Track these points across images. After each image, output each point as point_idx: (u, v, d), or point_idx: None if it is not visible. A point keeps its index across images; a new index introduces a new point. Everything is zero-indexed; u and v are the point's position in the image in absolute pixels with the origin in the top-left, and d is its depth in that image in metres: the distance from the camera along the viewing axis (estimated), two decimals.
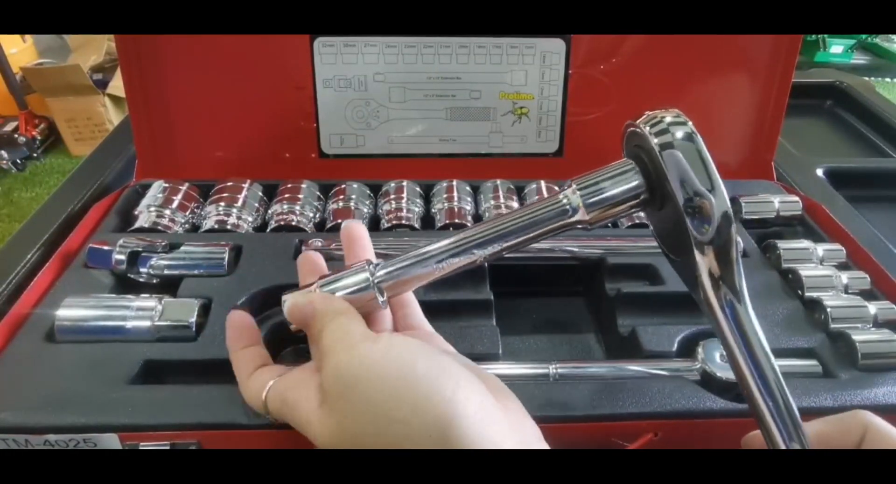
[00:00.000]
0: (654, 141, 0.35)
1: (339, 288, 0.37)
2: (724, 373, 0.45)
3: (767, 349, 0.35)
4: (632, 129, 0.38)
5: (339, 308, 0.35)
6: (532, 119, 0.69)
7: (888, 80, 3.03)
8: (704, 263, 0.34)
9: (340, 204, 0.63)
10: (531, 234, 0.37)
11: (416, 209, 0.64)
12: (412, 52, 0.65)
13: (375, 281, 0.37)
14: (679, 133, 0.35)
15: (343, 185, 0.65)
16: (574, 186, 0.37)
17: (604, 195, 0.37)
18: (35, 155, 2.44)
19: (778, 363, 0.46)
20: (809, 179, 0.75)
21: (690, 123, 0.35)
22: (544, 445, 0.31)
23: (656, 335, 0.49)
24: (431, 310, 0.52)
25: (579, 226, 0.37)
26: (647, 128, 0.35)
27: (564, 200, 0.37)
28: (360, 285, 0.37)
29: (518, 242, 0.38)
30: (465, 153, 0.70)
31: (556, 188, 0.67)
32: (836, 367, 0.47)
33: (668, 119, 0.35)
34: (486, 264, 0.56)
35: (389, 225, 0.62)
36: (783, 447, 0.34)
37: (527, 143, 0.70)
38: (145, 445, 0.41)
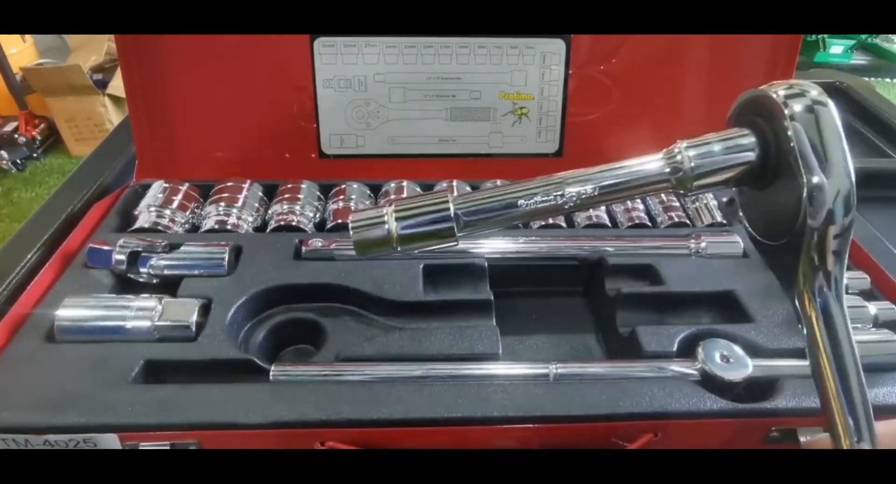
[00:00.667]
0: (785, 107, 0.31)
1: (415, 214, 0.34)
2: (724, 373, 0.45)
3: (857, 354, 0.32)
4: (754, 94, 0.34)
5: None
6: (532, 119, 0.69)
7: (888, 80, 3.03)
8: (809, 250, 0.31)
9: (340, 204, 0.63)
10: (627, 186, 0.35)
11: None
12: (412, 52, 0.65)
13: (457, 210, 0.34)
14: (813, 101, 0.31)
15: (343, 186, 0.65)
16: (685, 144, 0.35)
17: (714, 158, 0.34)
18: (35, 155, 2.44)
19: (778, 363, 0.47)
20: None
21: (830, 102, 0.32)
22: None
23: (656, 335, 0.49)
24: (431, 310, 0.52)
25: (678, 190, 0.35)
26: (782, 93, 0.32)
27: (675, 157, 0.34)
28: (440, 214, 0.34)
29: (610, 191, 0.35)
30: (465, 153, 0.70)
31: None
32: None
33: (802, 85, 0.32)
34: (487, 264, 0.56)
35: None
36: (849, 447, 0.32)
37: (527, 143, 0.70)
38: (145, 445, 0.41)
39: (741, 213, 0.38)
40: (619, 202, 0.36)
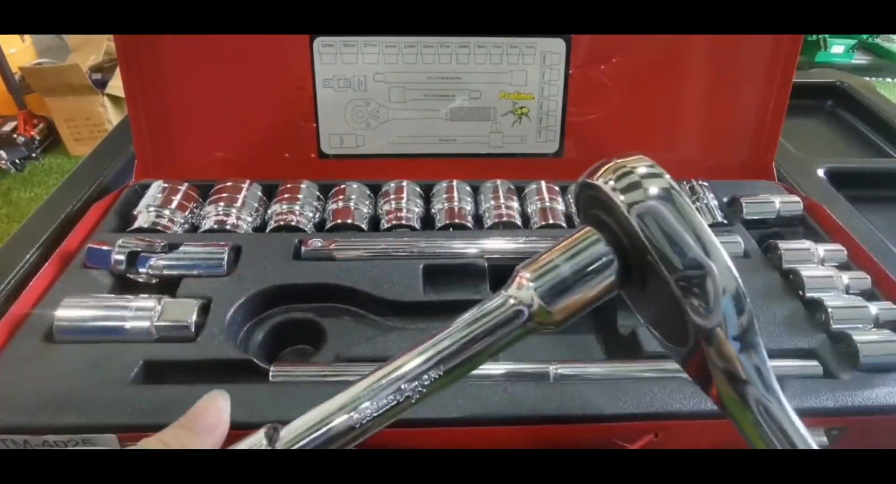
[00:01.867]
0: (622, 200, 0.26)
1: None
2: None
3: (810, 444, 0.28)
4: (589, 189, 0.29)
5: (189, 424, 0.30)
6: (532, 119, 0.69)
7: (889, 80, 3.03)
8: (715, 355, 0.26)
9: (340, 204, 0.63)
10: (477, 353, 0.28)
11: (416, 209, 0.64)
12: (412, 52, 0.65)
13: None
14: (653, 188, 0.26)
15: (343, 186, 0.65)
16: (523, 276, 0.28)
17: (566, 281, 0.28)
18: (34, 155, 2.44)
19: (778, 363, 0.47)
20: (810, 180, 0.75)
21: (666, 174, 0.27)
22: None
23: None
24: (431, 310, 0.52)
25: (543, 329, 0.29)
26: (611, 184, 0.27)
27: (512, 300, 0.28)
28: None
29: (462, 367, 0.28)
30: (465, 153, 0.70)
31: (557, 188, 0.67)
32: (836, 367, 0.47)
33: (640, 170, 0.27)
34: (487, 264, 0.56)
35: (389, 225, 0.62)
36: None
37: (527, 143, 0.70)
38: None
39: (642, 318, 0.33)
40: (476, 368, 0.29)
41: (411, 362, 0.28)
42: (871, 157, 0.90)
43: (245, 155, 0.69)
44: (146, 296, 0.49)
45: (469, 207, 0.65)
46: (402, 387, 0.27)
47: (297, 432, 0.28)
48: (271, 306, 0.53)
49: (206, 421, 0.30)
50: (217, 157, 0.69)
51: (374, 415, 0.27)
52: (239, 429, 0.41)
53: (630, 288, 0.29)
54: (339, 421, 0.27)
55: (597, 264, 0.28)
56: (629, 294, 0.31)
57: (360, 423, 0.27)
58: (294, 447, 0.27)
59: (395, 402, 0.28)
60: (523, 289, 0.28)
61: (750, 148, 0.72)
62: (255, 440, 0.28)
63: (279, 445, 0.28)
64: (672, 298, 0.26)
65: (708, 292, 0.25)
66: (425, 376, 0.28)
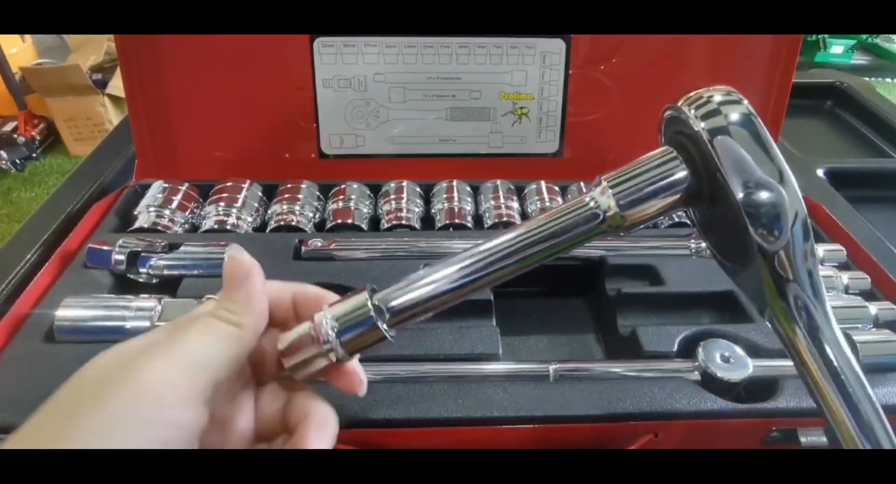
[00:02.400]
0: (701, 125, 0.29)
1: (346, 322, 0.31)
2: (724, 373, 0.45)
3: (853, 359, 0.30)
4: (671, 112, 0.32)
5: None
6: (532, 119, 0.69)
7: (888, 80, 3.03)
8: (771, 273, 0.28)
9: (340, 204, 0.63)
10: (556, 247, 0.31)
11: (416, 209, 0.64)
12: (412, 52, 0.65)
13: (378, 304, 0.31)
14: (733, 114, 0.28)
15: (343, 186, 0.65)
16: (604, 184, 0.31)
17: (641, 193, 0.30)
18: (34, 155, 2.44)
19: (778, 363, 0.47)
20: (810, 180, 0.75)
21: (746, 102, 0.29)
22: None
23: (656, 335, 0.49)
24: None
25: (614, 232, 0.31)
26: (692, 110, 0.29)
27: (592, 203, 0.31)
28: (362, 314, 0.30)
29: (540, 257, 0.32)
30: (465, 153, 0.70)
31: (556, 188, 0.67)
32: None
33: (718, 98, 0.29)
34: None
35: (389, 225, 0.62)
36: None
37: (527, 143, 0.70)
38: None
39: (701, 235, 0.35)
40: (551, 259, 0.32)
41: (498, 241, 0.32)
42: (871, 157, 0.90)
43: (245, 155, 0.69)
44: (146, 296, 0.49)
45: (469, 207, 0.65)
46: (489, 272, 0.32)
47: (392, 294, 0.32)
48: None
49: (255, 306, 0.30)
50: (217, 157, 0.69)
51: (455, 285, 0.31)
52: None
53: (698, 206, 0.32)
54: (430, 288, 0.31)
55: (670, 179, 0.30)
56: (695, 213, 0.34)
57: (446, 290, 0.31)
58: (390, 305, 0.31)
59: (477, 275, 0.32)
60: (605, 195, 0.31)
61: None
62: (360, 299, 0.31)
63: (376, 301, 0.31)
64: (737, 219, 0.28)
65: (777, 216, 0.27)
66: (505, 266, 0.31)
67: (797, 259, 0.28)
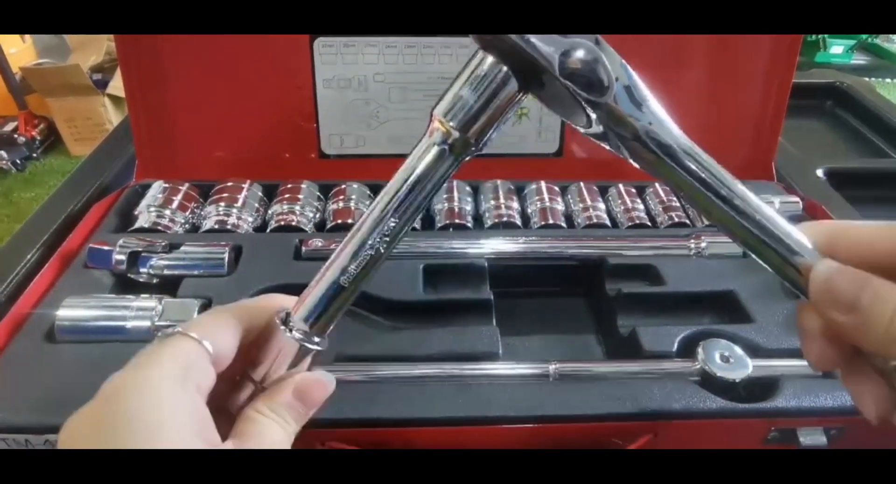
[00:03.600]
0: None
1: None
2: (724, 373, 0.45)
3: (743, 191, 0.31)
4: None
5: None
6: (532, 119, 0.69)
7: (888, 80, 3.03)
8: (610, 121, 0.29)
9: (340, 204, 0.63)
10: (420, 199, 0.31)
11: None
12: (412, 52, 0.65)
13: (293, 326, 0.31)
14: None
15: (343, 186, 0.65)
16: (436, 113, 0.31)
17: (473, 107, 0.30)
18: (35, 155, 2.44)
19: (778, 363, 0.47)
20: (810, 180, 0.75)
21: None
22: None
23: (656, 335, 0.49)
24: (431, 310, 0.52)
25: (462, 154, 0.31)
26: None
27: (434, 137, 0.31)
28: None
29: (411, 212, 0.32)
30: None
31: (557, 188, 0.67)
32: None
33: None
34: (487, 264, 0.56)
35: None
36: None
37: (527, 143, 0.70)
38: None
39: (552, 111, 0.35)
40: (423, 209, 0.33)
41: (369, 221, 0.32)
42: (871, 157, 0.90)
43: (245, 155, 0.69)
44: (147, 296, 0.49)
45: (469, 207, 0.65)
46: (371, 242, 0.32)
47: (302, 303, 0.32)
48: None
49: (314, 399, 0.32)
50: (217, 157, 0.69)
51: (356, 271, 0.32)
52: None
53: (533, 90, 0.32)
54: (331, 282, 0.33)
55: (495, 81, 0.30)
56: (536, 95, 0.33)
57: (348, 281, 0.32)
58: (304, 317, 0.32)
59: (368, 256, 0.32)
60: (439, 131, 0.31)
61: (749, 148, 0.72)
62: (273, 324, 0.31)
63: (295, 317, 0.32)
64: (560, 84, 0.28)
65: (589, 71, 0.29)
66: (385, 228, 0.32)
67: (628, 97, 0.30)
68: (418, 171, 0.31)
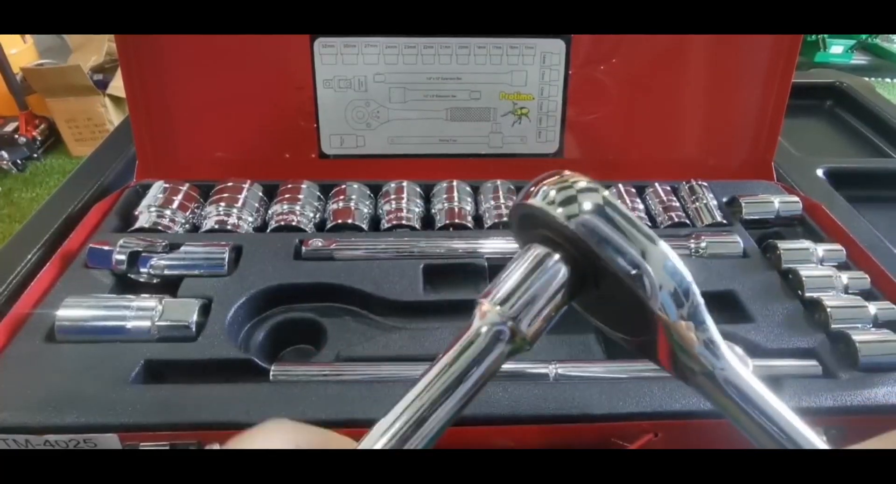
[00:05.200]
0: (560, 212, 0.27)
1: None
2: None
3: (792, 420, 0.29)
4: (525, 209, 0.29)
5: None
6: (532, 119, 0.69)
7: (888, 80, 3.03)
8: (676, 337, 0.28)
9: (340, 204, 0.63)
10: (470, 390, 0.29)
11: (417, 209, 0.64)
12: (412, 52, 0.65)
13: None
14: (587, 202, 0.27)
15: (343, 186, 0.65)
16: (487, 302, 0.29)
17: (529, 297, 0.28)
18: (35, 155, 2.44)
19: (777, 363, 0.47)
20: (809, 180, 0.75)
21: (598, 187, 0.28)
22: None
23: None
24: (431, 310, 0.52)
25: (519, 350, 0.29)
26: (545, 203, 0.28)
27: (485, 328, 0.29)
28: None
29: (458, 407, 0.29)
30: (465, 153, 0.70)
31: None
32: (836, 367, 0.47)
33: (576, 185, 0.28)
34: (487, 264, 0.56)
35: (389, 225, 0.62)
36: None
37: (527, 143, 0.70)
38: (145, 446, 0.41)
39: (594, 322, 0.34)
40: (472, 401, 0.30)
41: (414, 412, 0.28)
42: (870, 157, 0.90)
43: (246, 155, 0.69)
44: (147, 296, 0.49)
45: (469, 207, 0.65)
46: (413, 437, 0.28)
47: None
48: (272, 306, 0.54)
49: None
50: (218, 157, 0.69)
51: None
52: (239, 429, 0.41)
53: (583, 294, 0.30)
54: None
55: (553, 276, 0.29)
56: (582, 301, 0.32)
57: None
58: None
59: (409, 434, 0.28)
60: (490, 315, 0.29)
61: (749, 148, 0.72)
62: None
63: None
64: (630, 290, 0.27)
65: (656, 292, 0.27)
66: (426, 431, 0.28)
67: (694, 317, 0.28)
68: (469, 361, 0.29)
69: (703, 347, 0.28)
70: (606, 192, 0.28)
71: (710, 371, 0.28)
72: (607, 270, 0.27)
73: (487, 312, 0.29)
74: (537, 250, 0.29)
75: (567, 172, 0.29)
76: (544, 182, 0.29)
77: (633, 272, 0.27)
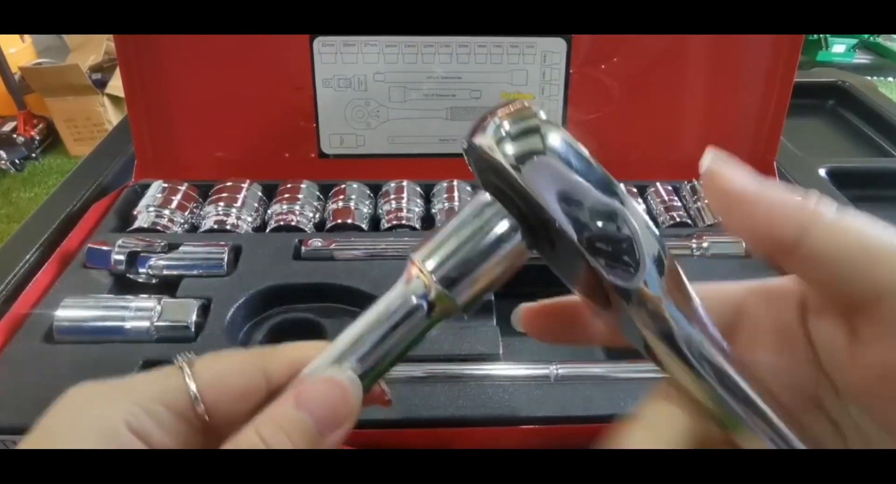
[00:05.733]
0: (501, 156, 0.22)
1: None
2: None
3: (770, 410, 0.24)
4: (472, 151, 0.24)
5: None
6: None
7: (890, 79, 3.02)
8: (643, 314, 0.22)
9: (340, 204, 0.63)
10: (382, 357, 0.26)
11: (417, 209, 0.64)
12: (412, 51, 0.65)
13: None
14: (533, 137, 0.22)
15: (343, 185, 0.65)
16: (416, 262, 0.25)
17: (465, 258, 0.24)
18: (34, 155, 2.44)
19: None
20: (811, 179, 0.75)
21: (542, 114, 0.23)
22: None
23: None
24: None
25: (445, 315, 0.25)
26: (487, 139, 0.22)
27: (409, 290, 0.25)
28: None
29: (371, 376, 0.26)
30: None
31: None
32: None
33: (509, 122, 0.22)
34: None
35: (389, 225, 0.62)
36: None
37: None
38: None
39: (561, 278, 0.29)
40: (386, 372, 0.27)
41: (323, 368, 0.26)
42: (873, 156, 0.90)
43: (245, 155, 0.69)
44: (146, 296, 0.49)
45: None
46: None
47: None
48: (271, 306, 0.53)
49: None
50: (217, 157, 0.69)
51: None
52: None
53: (540, 250, 0.26)
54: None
55: (495, 233, 0.24)
56: (543, 255, 0.27)
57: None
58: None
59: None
60: (417, 279, 0.25)
61: (751, 147, 0.71)
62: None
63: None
64: (582, 257, 0.22)
65: (622, 246, 0.21)
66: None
67: (655, 294, 0.22)
68: (384, 328, 0.25)
69: (683, 324, 0.23)
70: (554, 127, 0.22)
71: (686, 352, 0.23)
72: (557, 229, 0.21)
73: (415, 277, 0.25)
74: (480, 200, 0.24)
75: (515, 104, 0.23)
76: (489, 114, 0.23)
77: (596, 230, 0.21)
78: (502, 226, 0.24)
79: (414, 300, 0.25)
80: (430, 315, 0.25)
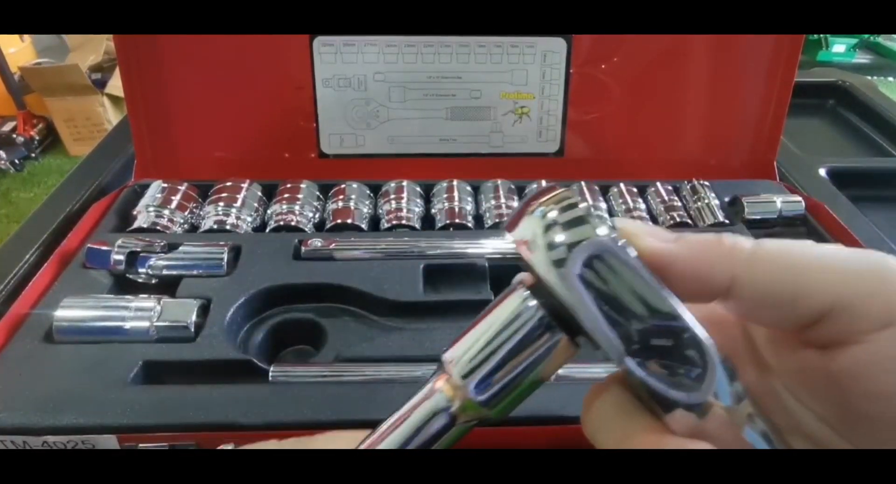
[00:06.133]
0: (539, 262, 0.20)
1: None
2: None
3: None
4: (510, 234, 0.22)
5: None
6: (533, 119, 0.69)
7: (891, 79, 3.01)
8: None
9: (340, 204, 0.63)
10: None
11: (417, 209, 0.64)
12: (412, 51, 0.65)
13: None
14: (578, 246, 0.19)
15: (343, 185, 0.65)
16: (447, 357, 0.24)
17: (497, 365, 0.23)
18: (33, 155, 2.44)
19: None
20: (812, 179, 0.75)
21: (584, 206, 0.20)
22: None
23: None
24: (431, 310, 0.52)
25: (480, 420, 0.24)
26: (527, 246, 0.20)
27: (438, 400, 0.24)
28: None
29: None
30: (466, 153, 0.70)
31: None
32: None
33: (553, 215, 0.20)
34: (487, 264, 0.56)
35: (389, 225, 0.62)
36: None
37: (527, 143, 0.70)
38: (143, 446, 0.41)
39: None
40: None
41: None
42: (873, 156, 0.90)
43: (245, 155, 0.69)
44: (146, 296, 0.49)
45: (469, 207, 0.65)
46: None
47: None
48: (271, 306, 0.53)
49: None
50: (217, 157, 0.69)
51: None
52: (238, 430, 0.41)
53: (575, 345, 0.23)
54: None
55: (530, 333, 0.22)
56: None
57: None
58: None
59: None
60: (447, 387, 0.23)
61: (751, 147, 0.71)
62: None
63: None
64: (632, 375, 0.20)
65: (679, 355, 0.19)
66: None
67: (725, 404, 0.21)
68: (412, 434, 0.24)
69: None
70: (606, 224, 0.20)
71: None
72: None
73: (442, 387, 0.24)
74: (517, 297, 0.23)
75: (560, 194, 0.21)
76: (529, 206, 0.21)
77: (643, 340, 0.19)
78: (549, 337, 0.22)
79: (445, 419, 0.24)
80: (462, 424, 0.24)
